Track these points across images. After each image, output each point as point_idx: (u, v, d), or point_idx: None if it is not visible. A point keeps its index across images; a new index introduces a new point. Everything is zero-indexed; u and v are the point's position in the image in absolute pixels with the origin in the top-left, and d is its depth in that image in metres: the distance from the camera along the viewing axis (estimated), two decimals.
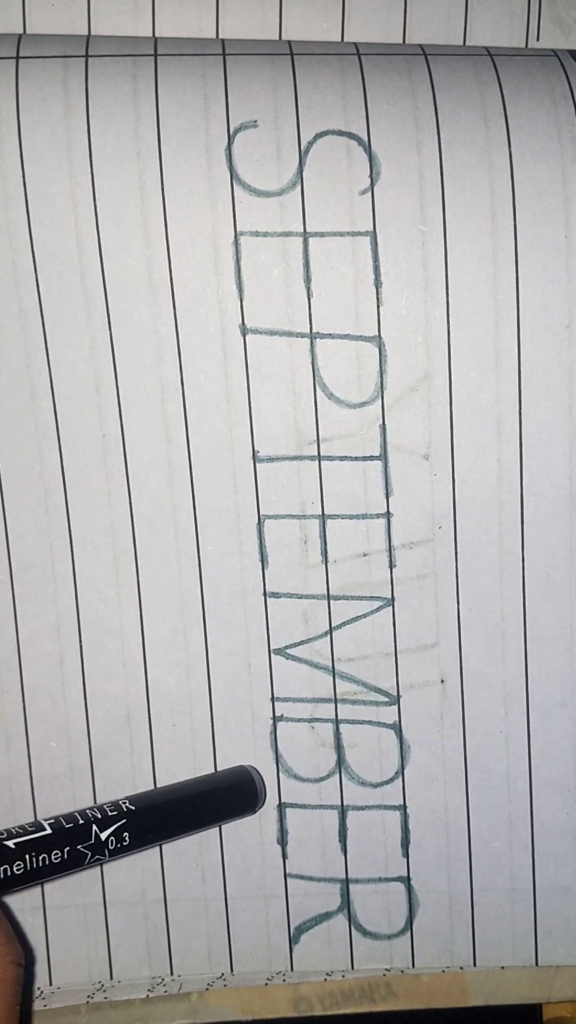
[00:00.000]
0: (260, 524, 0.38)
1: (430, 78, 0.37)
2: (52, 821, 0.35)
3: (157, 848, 0.40)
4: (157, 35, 0.39)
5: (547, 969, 0.40)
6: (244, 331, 0.37)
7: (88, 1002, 0.39)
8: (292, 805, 0.40)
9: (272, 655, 0.39)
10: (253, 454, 0.38)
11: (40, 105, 0.36)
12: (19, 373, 0.37)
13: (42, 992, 0.39)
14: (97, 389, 0.37)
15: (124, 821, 0.36)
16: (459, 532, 0.39)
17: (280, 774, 0.40)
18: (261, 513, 0.38)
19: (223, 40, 0.38)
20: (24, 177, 0.36)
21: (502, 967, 0.40)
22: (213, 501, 0.38)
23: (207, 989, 0.39)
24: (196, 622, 0.39)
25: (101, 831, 0.35)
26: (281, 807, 0.40)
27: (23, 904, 0.40)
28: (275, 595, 0.39)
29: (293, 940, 0.40)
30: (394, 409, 0.38)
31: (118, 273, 0.37)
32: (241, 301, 0.37)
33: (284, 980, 0.40)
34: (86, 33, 0.39)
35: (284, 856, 0.40)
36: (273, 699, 0.39)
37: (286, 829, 0.40)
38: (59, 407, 0.37)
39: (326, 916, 0.41)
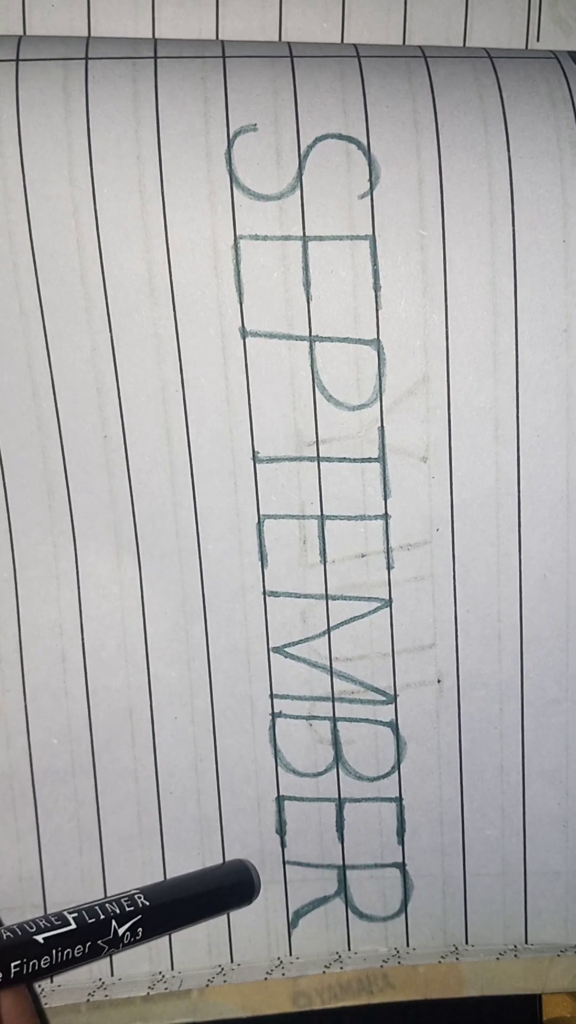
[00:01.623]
0: (260, 524, 0.39)
1: (430, 81, 0.37)
2: (76, 915, 0.35)
3: (158, 839, 0.40)
4: (157, 36, 0.38)
5: (541, 960, 0.41)
6: (244, 334, 0.37)
7: (89, 1000, 0.39)
8: (290, 798, 0.41)
9: (271, 653, 0.40)
10: (253, 455, 0.38)
11: (40, 108, 0.36)
12: (21, 374, 0.37)
13: (43, 990, 0.40)
14: (98, 390, 0.37)
15: (140, 917, 0.36)
16: (457, 534, 0.39)
17: (279, 768, 0.40)
18: (261, 513, 0.39)
19: (223, 42, 0.38)
20: (24, 180, 0.36)
21: (497, 957, 0.41)
22: (213, 501, 0.38)
23: (207, 985, 0.40)
24: (197, 619, 0.39)
25: (119, 926, 0.36)
26: (279, 799, 0.41)
27: (24, 902, 0.40)
28: (274, 594, 0.39)
29: (292, 925, 0.41)
30: (392, 412, 0.38)
31: (118, 276, 0.37)
32: (241, 304, 0.37)
33: (283, 973, 0.40)
34: (86, 34, 0.38)
35: (283, 845, 0.41)
36: (272, 696, 0.40)
37: (284, 820, 0.41)
38: (61, 408, 0.38)
39: (323, 900, 0.41)
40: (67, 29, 0.38)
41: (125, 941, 0.36)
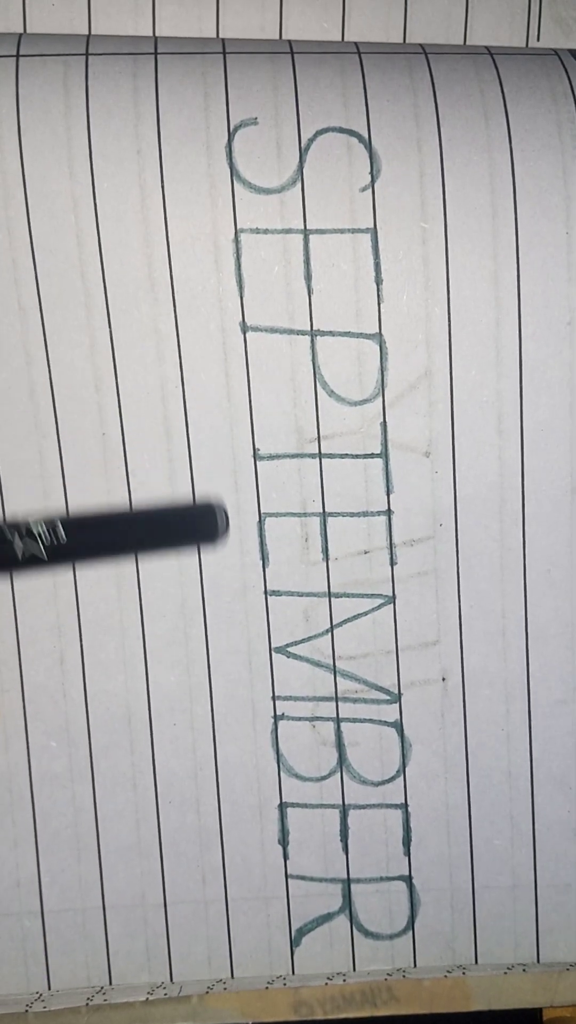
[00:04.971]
0: (261, 522, 0.38)
1: (431, 76, 0.37)
2: None
3: (157, 850, 0.39)
4: (157, 35, 0.39)
5: (550, 974, 0.40)
6: (244, 328, 0.37)
7: (87, 1005, 0.39)
8: (293, 805, 0.40)
9: (273, 653, 0.39)
10: (254, 452, 0.38)
11: (40, 103, 0.36)
12: (19, 371, 0.37)
13: (41, 996, 0.39)
14: (97, 387, 0.37)
15: (58, 520, 0.32)
16: (460, 529, 0.39)
17: (281, 773, 0.40)
18: (262, 511, 0.38)
19: (223, 39, 0.38)
20: (24, 175, 0.36)
21: (505, 972, 0.40)
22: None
23: (207, 992, 0.39)
24: (197, 620, 0.39)
25: (32, 526, 0.32)
26: (282, 807, 0.40)
27: (21, 908, 0.39)
28: (276, 593, 0.39)
29: (294, 943, 0.40)
30: (395, 407, 0.38)
31: (118, 271, 0.37)
32: (241, 298, 0.37)
33: (284, 984, 0.39)
34: (86, 33, 0.39)
35: (285, 857, 0.40)
36: (274, 698, 0.39)
37: (287, 829, 0.40)
38: (59, 405, 0.37)
39: (327, 917, 0.40)
40: (67, 27, 0.38)
41: (44, 541, 0.32)
